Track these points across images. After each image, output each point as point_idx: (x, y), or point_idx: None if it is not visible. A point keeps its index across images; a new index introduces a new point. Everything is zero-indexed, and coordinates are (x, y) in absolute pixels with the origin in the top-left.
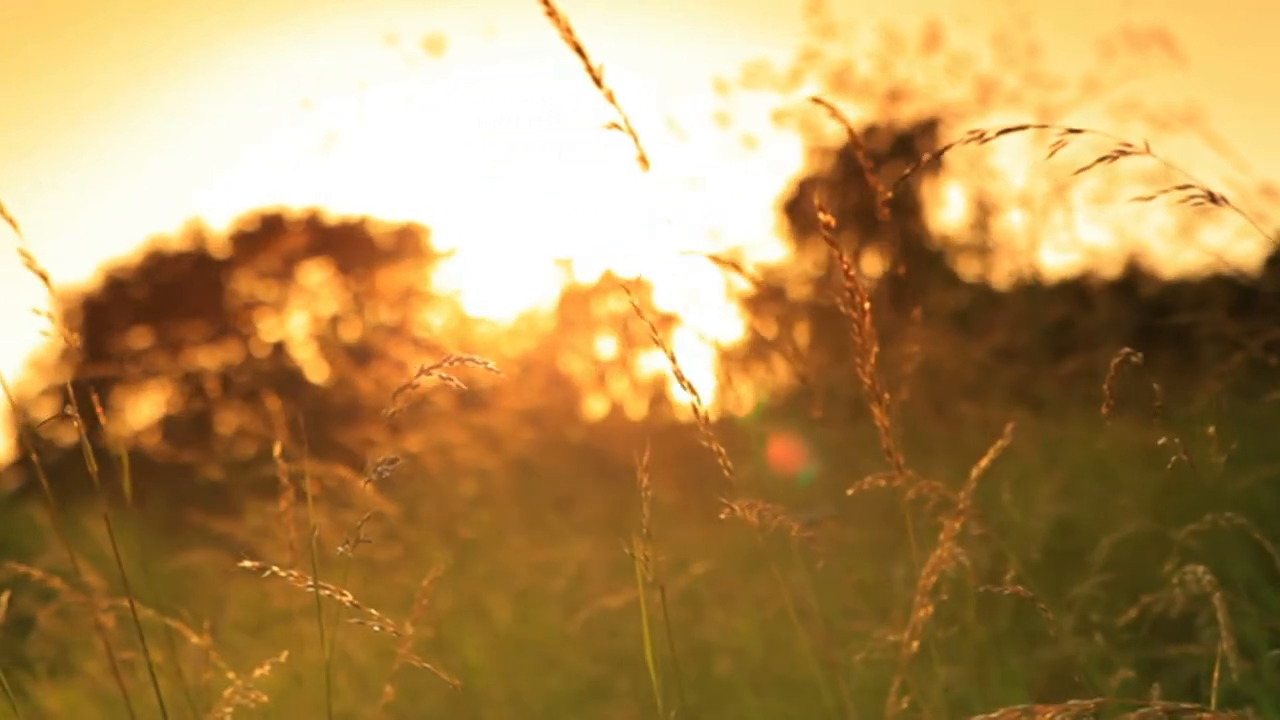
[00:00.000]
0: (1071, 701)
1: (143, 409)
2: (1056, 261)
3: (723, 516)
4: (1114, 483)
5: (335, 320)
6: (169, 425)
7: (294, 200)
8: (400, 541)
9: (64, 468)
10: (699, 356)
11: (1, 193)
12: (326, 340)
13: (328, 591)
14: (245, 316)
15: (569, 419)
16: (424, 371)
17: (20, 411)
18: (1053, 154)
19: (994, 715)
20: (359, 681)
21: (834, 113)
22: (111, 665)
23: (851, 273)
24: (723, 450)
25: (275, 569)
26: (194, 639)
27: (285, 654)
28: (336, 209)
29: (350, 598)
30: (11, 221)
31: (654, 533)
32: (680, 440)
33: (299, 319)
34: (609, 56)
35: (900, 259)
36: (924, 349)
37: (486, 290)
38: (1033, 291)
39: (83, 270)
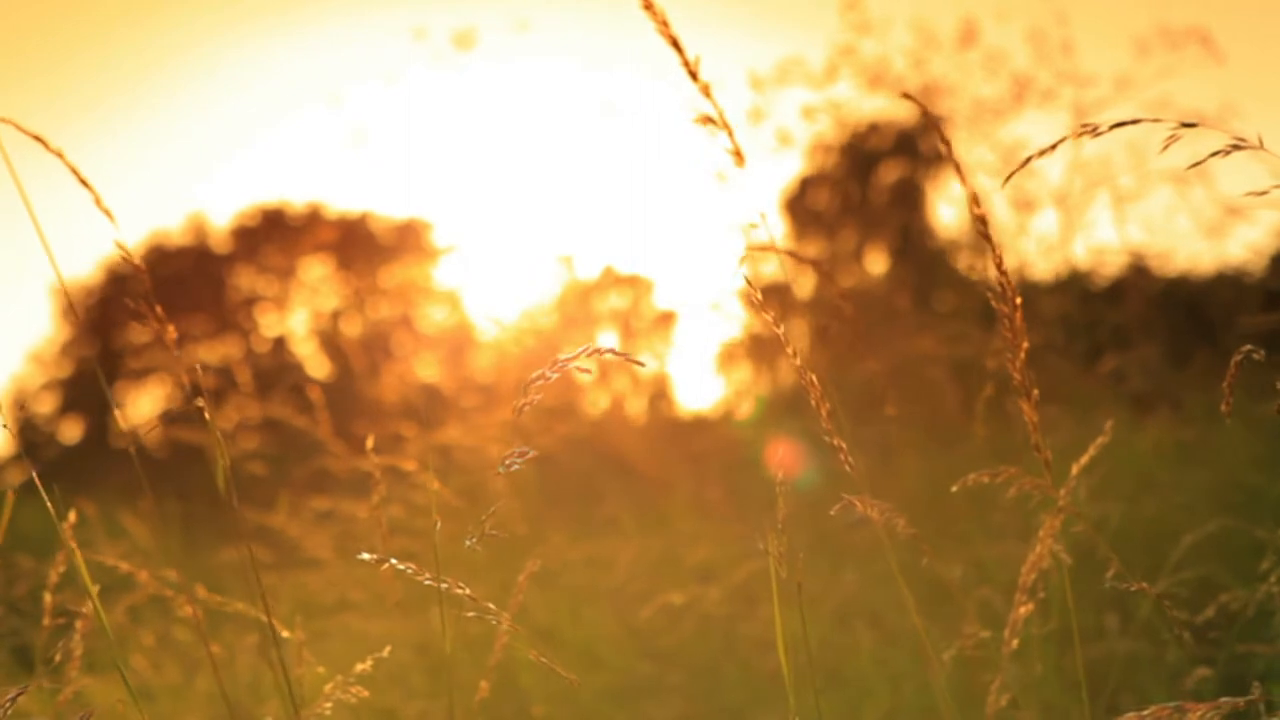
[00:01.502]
0: (1223, 699)
1: (143, 404)
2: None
3: (832, 512)
4: (1149, 481)
5: (336, 316)
6: (168, 420)
7: (296, 195)
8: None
9: (66, 463)
10: (702, 354)
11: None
12: (335, 336)
13: (446, 584)
14: (246, 311)
15: (573, 415)
16: (563, 363)
17: (20, 407)
18: (1166, 148)
19: (1145, 713)
20: (400, 679)
21: (924, 110)
22: (210, 660)
23: (1004, 267)
24: (844, 445)
25: (393, 561)
26: (285, 633)
27: (388, 649)
28: (339, 204)
29: (467, 590)
30: (107, 213)
31: (701, 531)
32: (689, 438)
33: (300, 314)
34: (641, 51)
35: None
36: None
37: (489, 287)
38: (1053, 288)
39: (83, 265)
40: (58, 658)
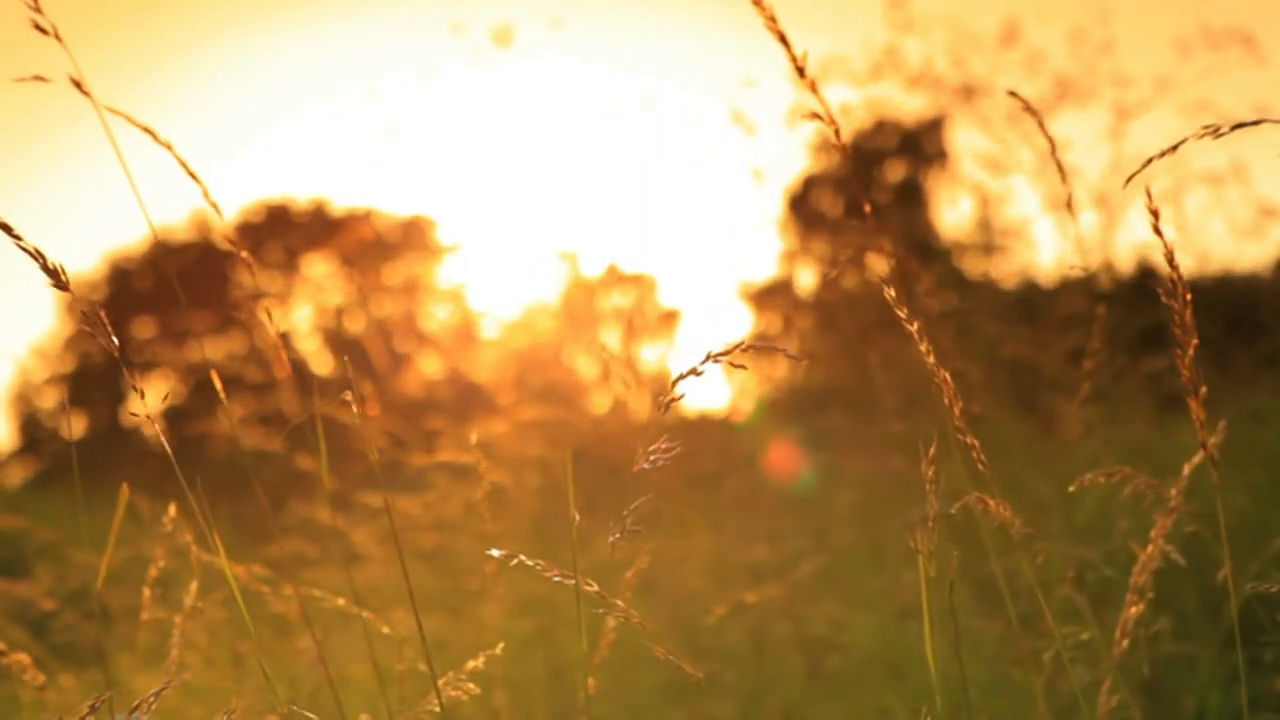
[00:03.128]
0: None
1: (145, 399)
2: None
3: (954, 510)
4: (1198, 482)
5: (340, 312)
6: (171, 416)
7: (300, 191)
8: (475, 532)
9: (69, 458)
10: (705, 353)
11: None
12: (340, 333)
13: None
14: (249, 308)
15: (577, 413)
16: (713, 358)
17: (27, 400)
18: None
19: None
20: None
21: (1028, 108)
22: (319, 655)
23: (1176, 261)
24: (977, 443)
25: (523, 558)
26: (384, 629)
27: (501, 647)
28: (344, 201)
29: (596, 587)
30: (215, 206)
31: (748, 529)
32: (702, 438)
33: (304, 311)
34: (680, 48)
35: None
36: (1026, 349)
37: (493, 284)
38: (1092, 288)
39: (87, 260)
40: (174, 653)
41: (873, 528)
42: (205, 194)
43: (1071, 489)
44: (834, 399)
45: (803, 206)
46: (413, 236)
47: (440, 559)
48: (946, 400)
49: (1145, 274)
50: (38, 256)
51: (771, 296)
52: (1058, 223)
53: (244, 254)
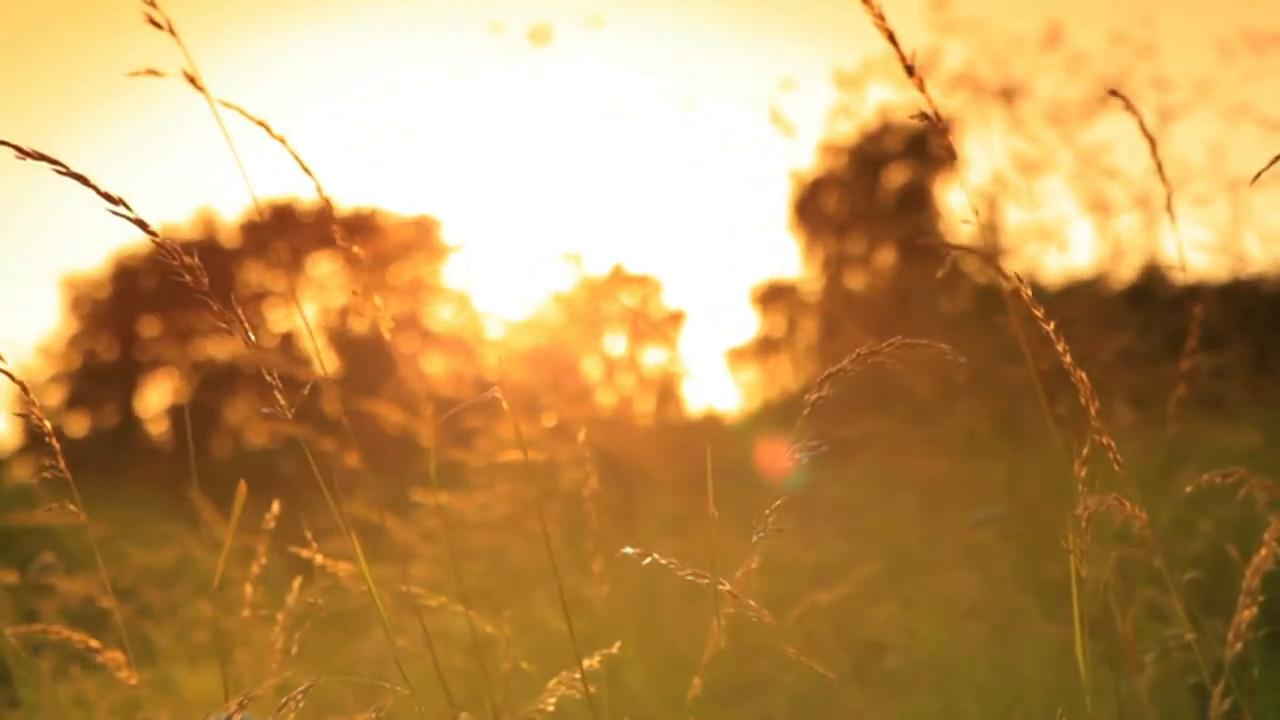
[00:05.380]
0: None
1: (150, 398)
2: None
3: (1079, 515)
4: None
5: (345, 312)
6: (175, 414)
7: (305, 190)
8: (522, 534)
9: (76, 457)
10: (711, 353)
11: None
12: (344, 332)
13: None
14: (255, 307)
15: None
16: (863, 355)
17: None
18: None
19: None
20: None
21: (1129, 106)
22: (429, 651)
23: None
24: (1113, 444)
25: (656, 556)
26: (488, 628)
27: (618, 645)
28: (350, 200)
29: (729, 587)
30: (328, 200)
31: (801, 533)
32: (715, 439)
33: (308, 310)
34: (719, 48)
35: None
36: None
37: (498, 285)
38: (1130, 291)
39: (91, 259)
40: (293, 650)
41: (933, 529)
42: (318, 189)
43: (1189, 489)
44: (862, 399)
45: (809, 208)
46: (418, 236)
47: (495, 557)
48: (1083, 401)
49: (1152, 276)
50: (174, 255)
51: (778, 297)
52: (1096, 224)
53: (355, 249)
